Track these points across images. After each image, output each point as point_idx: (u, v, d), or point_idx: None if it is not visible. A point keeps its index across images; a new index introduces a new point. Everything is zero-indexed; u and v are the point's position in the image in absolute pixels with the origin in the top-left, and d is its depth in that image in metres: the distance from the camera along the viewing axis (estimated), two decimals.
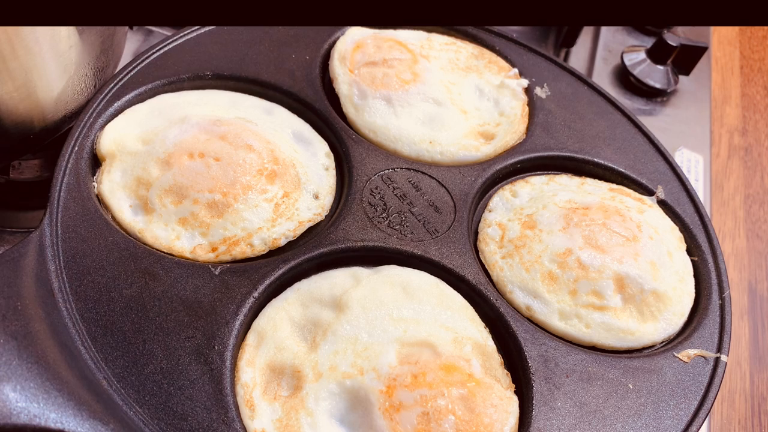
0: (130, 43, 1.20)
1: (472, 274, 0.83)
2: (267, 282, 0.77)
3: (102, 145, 0.84)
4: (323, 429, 0.69)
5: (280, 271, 0.78)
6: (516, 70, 1.07)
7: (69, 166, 0.80)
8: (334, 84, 0.99)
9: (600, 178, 1.00)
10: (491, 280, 0.85)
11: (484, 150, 0.97)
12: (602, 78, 1.37)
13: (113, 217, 0.80)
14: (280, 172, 0.85)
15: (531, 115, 1.03)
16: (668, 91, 1.34)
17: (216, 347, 0.71)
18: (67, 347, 0.67)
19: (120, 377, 0.67)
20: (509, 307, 0.82)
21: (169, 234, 0.80)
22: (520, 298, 0.84)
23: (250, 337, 0.75)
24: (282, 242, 0.82)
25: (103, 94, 0.88)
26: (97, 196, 0.82)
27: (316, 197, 0.88)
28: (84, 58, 0.85)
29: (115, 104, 0.88)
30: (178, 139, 0.84)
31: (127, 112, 0.89)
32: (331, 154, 0.93)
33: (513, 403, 0.73)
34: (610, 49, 1.42)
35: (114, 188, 0.82)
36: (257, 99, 0.96)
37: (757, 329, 1.15)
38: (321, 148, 0.93)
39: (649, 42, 1.41)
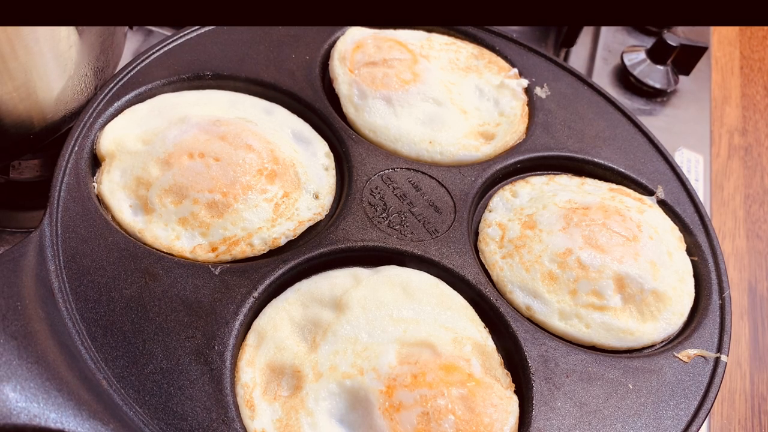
0: (130, 43, 1.20)
1: (472, 274, 0.83)
2: (267, 282, 0.77)
3: (102, 145, 0.84)
4: (323, 429, 0.69)
5: (280, 271, 0.78)
6: (516, 70, 1.07)
7: (69, 166, 0.80)
8: (334, 84, 0.99)
9: (600, 178, 0.99)
10: (491, 280, 0.85)
11: (484, 150, 0.97)
12: (602, 78, 1.37)
13: (113, 217, 0.80)
14: (280, 172, 0.85)
15: (531, 115, 1.03)
16: (668, 91, 1.34)
17: (216, 347, 0.71)
18: (67, 347, 0.67)
19: (120, 377, 0.67)
20: (509, 307, 0.82)
21: (169, 234, 0.80)
22: (520, 298, 0.84)
23: (250, 337, 0.75)
24: (282, 242, 0.82)
25: (103, 94, 0.88)
26: (97, 196, 0.82)
27: (316, 197, 0.88)
28: (84, 58, 0.85)
29: (115, 104, 0.88)
30: (178, 139, 0.84)
31: (127, 112, 0.89)
32: (331, 154, 0.93)
33: (513, 403, 0.73)
34: (610, 49, 1.42)
35: (114, 188, 0.82)
36: (257, 99, 0.96)
37: (757, 329, 1.15)
38: (321, 148, 0.93)
39: (649, 42, 1.40)
